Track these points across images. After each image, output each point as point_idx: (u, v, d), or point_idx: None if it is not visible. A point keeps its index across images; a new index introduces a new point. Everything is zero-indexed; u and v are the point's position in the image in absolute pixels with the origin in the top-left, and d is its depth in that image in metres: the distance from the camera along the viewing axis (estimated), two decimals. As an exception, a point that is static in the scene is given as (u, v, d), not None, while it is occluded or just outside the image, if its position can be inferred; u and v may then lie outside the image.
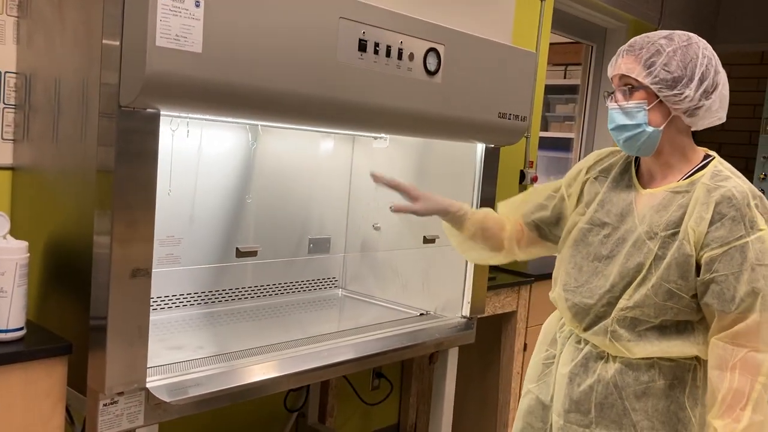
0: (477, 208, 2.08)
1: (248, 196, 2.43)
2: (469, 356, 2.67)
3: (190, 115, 2.04)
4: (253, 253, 2.45)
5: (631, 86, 1.46)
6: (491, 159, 2.37)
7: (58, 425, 1.50)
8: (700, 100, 1.43)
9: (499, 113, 2.24)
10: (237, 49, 1.53)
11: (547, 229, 1.74)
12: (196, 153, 2.25)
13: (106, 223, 1.48)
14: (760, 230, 1.39)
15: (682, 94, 1.42)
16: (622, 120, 1.47)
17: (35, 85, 1.79)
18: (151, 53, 1.38)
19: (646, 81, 1.43)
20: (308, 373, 1.94)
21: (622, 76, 1.47)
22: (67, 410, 1.63)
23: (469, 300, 2.44)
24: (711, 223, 1.40)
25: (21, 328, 1.50)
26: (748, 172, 5.03)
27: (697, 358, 1.51)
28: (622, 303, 1.49)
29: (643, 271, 1.46)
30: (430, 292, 2.57)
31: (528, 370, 1.77)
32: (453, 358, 2.49)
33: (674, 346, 1.47)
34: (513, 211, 1.81)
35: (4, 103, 1.85)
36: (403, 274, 2.66)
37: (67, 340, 1.52)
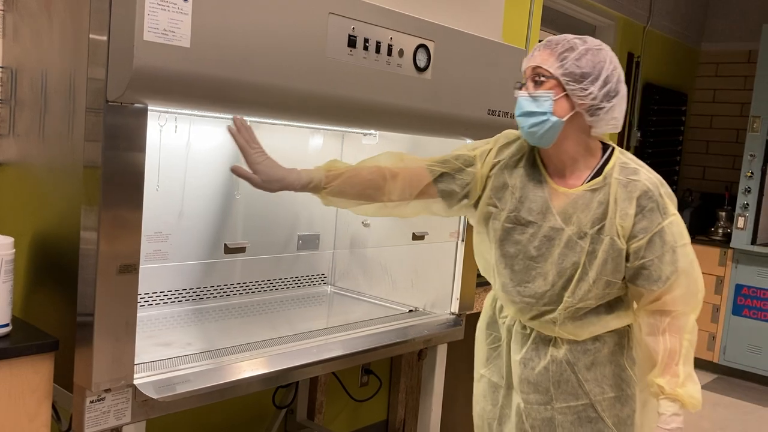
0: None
1: (237, 193, 2.42)
2: (458, 352, 2.67)
3: (179, 111, 2.03)
4: (241, 250, 2.44)
5: (542, 76, 1.54)
6: (480, 156, 2.37)
7: (44, 422, 1.49)
8: (602, 100, 1.53)
9: (489, 110, 2.24)
10: (226, 43, 1.52)
11: (449, 191, 1.71)
12: (185, 149, 2.24)
13: (93, 218, 1.47)
14: (672, 215, 1.57)
15: (587, 90, 1.51)
16: (529, 107, 1.55)
17: (21, 80, 1.77)
18: (139, 48, 1.37)
19: (557, 72, 1.52)
20: (297, 370, 1.94)
21: (536, 67, 1.55)
22: (54, 407, 1.61)
23: (458, 297, 2.45)
24: (635, 216, 1.55)
25: (6, 325, 1.48)
26: (735, 170, 5.06)
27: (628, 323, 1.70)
28: (567, 300, 1.61)
29: (580, 268, 1.59)
30: (419, 288, 2.57)
31: (476, 354, 1.87)
32: (442, 354, 2.49)
33: (611, 320, 1.65)
34: (412, 162, 1.72)
35: (-10, 98, 1.83)
36: (392, 270, 2.66)
37: (54, 336, 1.51)
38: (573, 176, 1.62)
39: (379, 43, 1.85)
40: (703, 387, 4.54)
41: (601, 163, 1.61)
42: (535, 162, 1.67)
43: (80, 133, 1.51)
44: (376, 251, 2.72)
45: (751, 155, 4.66)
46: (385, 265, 2.68)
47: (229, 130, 1.58)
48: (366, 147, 2.70)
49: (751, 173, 4.66)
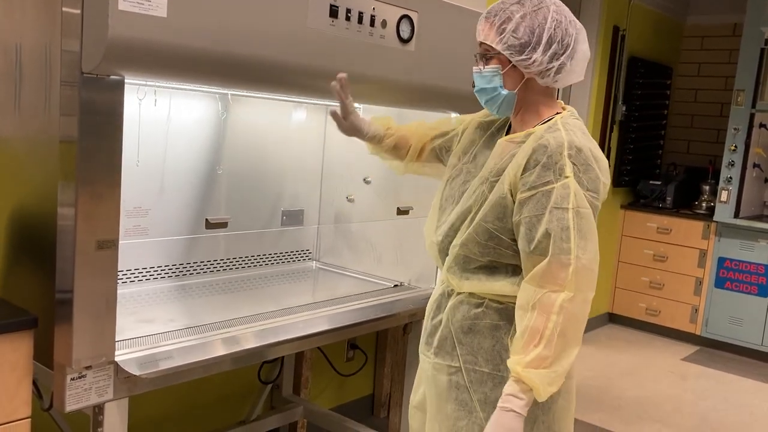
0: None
1: (219, 167, 2.39)
2: (444, 327, 2.68)
3: (157, 84, 1.99)
4: (222, 225, 2.42)
5: (487, 51, 1.52)
6: (465, 129, 2.35)
7: (24, 400, 1.48)
8: (550, 62, 1.49)
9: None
10: (203, 13, 1.48)
11: (445, 156, 1.85)
12: (165, 123, 2.20)
13: (70, 194, 1.44)
14: (566, 177, 1.44)
15: (530, 58, 1.48)
16: (481, 83, 1.55)
17: (-6, 52, 1.73)
18: (114, 17, 1.34)
19: (499, 47, 1.49)
20: (282, 345, 1.93)
21: (481, 43, 1.53)
22: (35, 385, 1.60)
23: (443, 271, 2.44)
24: (525, 169, 1.46)
25: (-16, 302, 1.46)
26: (719, 144, 5.08)
27: None
28: (455, 241, 1.58)
29: (472, 212, 1.55)
30: (404, 263, 2.57)
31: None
32: (427, 328, 2.49)
33: (497, 284, 1.54)
34: (422, 132, 1.89)
35: (-38, 71, 1.78)
36: (377, 245, 2.65)
37: (33, 313, 1.49)
38: None
39: (362, 13, 1.82)
40: (686, 359, 4.63)
41: (538, 123, 1.55)
42: (503, 125, 1.68)
43: (56, 106, 1.48)
44: (361, 226, 2.71)
45: (735, 129, 4.67)
46: (370, 240, 2.67)
47: (333, 87, 1.77)
48: (350, 121, 2.67)
49: (735, 147, 4.67)
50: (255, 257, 2.59)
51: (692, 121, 5.63)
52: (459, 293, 1.62)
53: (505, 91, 1.53)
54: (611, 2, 4.65)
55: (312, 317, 2.08)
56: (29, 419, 1.49)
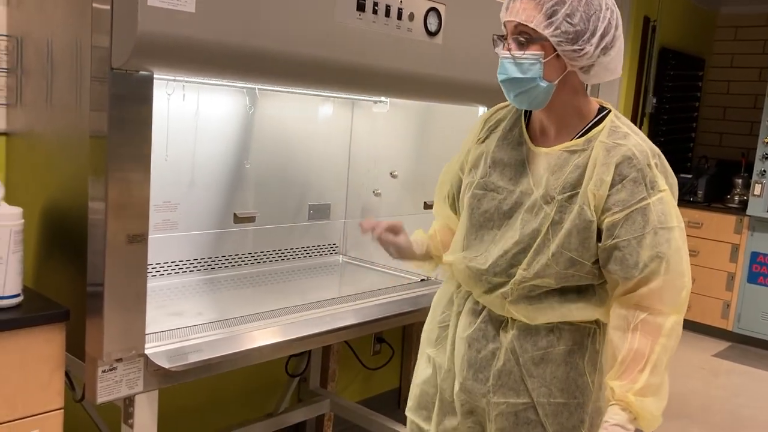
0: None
1: (247, 162, 2.40)
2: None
3: (186, 79, 2.00)
4: (251, 219, 2.43)
5: (528, 35, 1.32)
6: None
7: (57, 391, 1.50)
8: (598, 56, 1.33)
9: (501, 75, 2.19)
10: (231, 8, 1.49)
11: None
12: (193, 118, 2.22)
13: (100, 189, 1.46)
14: (661, 191, 1.33)
15: (582, 50, 1.31)
16: (515, 72, 1.33)
17: (27, 48, 1.75)
18: (143, 12, 1.35)
19: (546, 32, 1.29)
20: (309, 339, 1.94)
21: (519, 24, 1.32)
22: (68, 376, 1.62)
23: (471, 265, 2.43)
24: (612, 185, 1.32)
25: (18, 295, 1.48)
26: (752, 136, 4.98)
27: (597, 321, 1.45)
28: (521, 274, 1.39)
29: (539, 238, 1.37)
30: (431, 257, 2.55)
31: (423, 333, 1.68)
32: (454, 323, 2.48)
33: (575, 309, 1.41)
34: (441, 211, 1.71)
35: (-4, 67, 1.81)
36: (403, 239, 2.64)
37: (65, 306, 1.51)
38: (558, 138, 1.42)
39: (389, 6, 1.81)
40: (717, 355, 4.55)
41: (590, 124, 1.40)
42: (516, 123, 1.49)
43: (86, 101, 1.50)
44: (388, 220, 2.69)
45: (769, 121, 4.58)
46: (396, 234, 2.66)
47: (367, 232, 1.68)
48: (377, 115, 2.66)
49: (769, 139, 4.58)
50: (282, 251, 2.60)
51: (725, 113, 5.52)
52: (518, 320, 1.44)
53: (544, 83, 1.33)
54: (643, -8, 4.58)
55: (339, 311, 2.08)
56: (62, 410, 1.51)
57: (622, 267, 1.32)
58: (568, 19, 1.29)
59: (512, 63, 1.34)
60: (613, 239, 1.32)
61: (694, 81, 5.39)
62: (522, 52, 1.32)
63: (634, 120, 4.73)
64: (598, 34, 1.31)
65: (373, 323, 2.13)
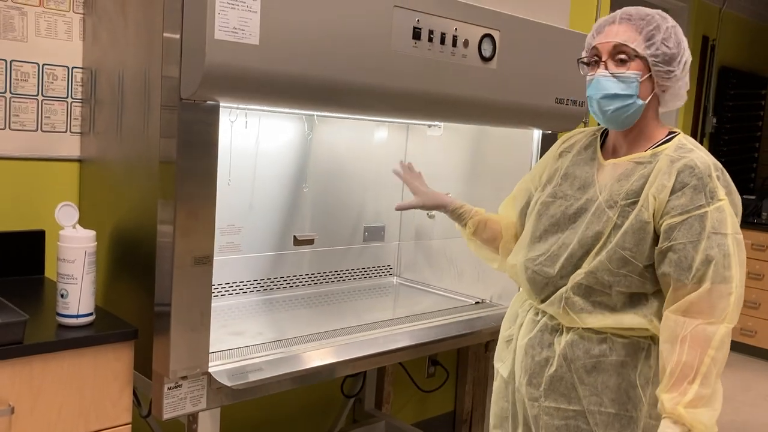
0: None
1: (305, 185, 2.46)
2: (526, 345, 2.65)
3: (248, 107, 2.08)
4: (310, 241, 2.48)
5: (625, 55, 1.43)
6: (548, 145, 2.33)
7: (126, 407, 1.56)
8: (680, 79, 1.46)
9: (557, 98, 2.20)
10: (293, 40, 1.54)
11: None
12: (254, 143, 2.29)
13: (169, 212, 1.52)
14: (720, 200, 1.38)
15: (673, 71, 1.44)
16: (615, 89, 1.43)
17: (100, 80, 1.85)
18: (210, 46, 1.41)
19: (646, 53, 1.42)
20: (365, 360, 1.96)
21: (618, 45, 1.43)
22: (135, 393, 1.68)
23: (526, 288, 2.42)
24: (672, 192, 1.39)
25: (91, 314, 1.55)
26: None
27: (651, 337, 1.47)
28: (579, 273, 1.47)
29: (602, 240, 1.45)
30: (485, 280, 2.55)
31: (497, 350, 1.74)
32: (509, 346, 2.47)
33: (627, 317, 1.44)
34: (506, 211, 1.81)
35: (72, 98, 1.92)
36: (458, 262, 2.65)
37: (134, 325, 1.57)
38: (629, 155, 1.52)
39: (444, 34, 1.85)
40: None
41: (659, 142, 1.48)
42: (591, 143, 1.59)
43: (155, 129, 1.57)
44: (442, 242, 2.71)
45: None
46: (450, 257, 2.68)
47: (395, 172, 2.02)
48: (431, 138, 2.69)
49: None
50: (338, 272, 2.64)
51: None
52: (573, 328, 1.50)
53: (639, 101, 1.43)
54: (700, 11, 4.50)
55: (393, 332, 2.10)
56: (130, 425, 1.57)
57: (676, 269, 1.37)
58: (665, 42, 1.42)
59: (611, 80, 1.44)
60: (670, 241, 1.38)
61: (756, 100, 5.26)
62: (623, 70, 1.43)
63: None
64: (685, 58, 1.45)
65: (427, 345, 2.14)
